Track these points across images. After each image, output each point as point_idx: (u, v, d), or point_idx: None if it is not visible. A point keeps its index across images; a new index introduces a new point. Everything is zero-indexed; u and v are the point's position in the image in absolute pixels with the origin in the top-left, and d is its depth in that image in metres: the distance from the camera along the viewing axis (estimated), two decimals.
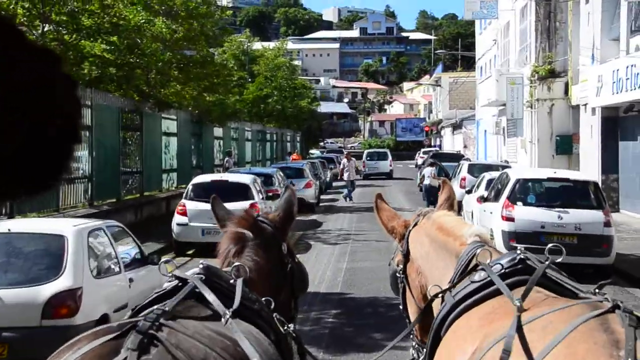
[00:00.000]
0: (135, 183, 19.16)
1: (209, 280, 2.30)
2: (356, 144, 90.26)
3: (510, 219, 11.84)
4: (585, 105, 20.49)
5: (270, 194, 17.43)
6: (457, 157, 31.50)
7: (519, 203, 12.04)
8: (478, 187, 16.84)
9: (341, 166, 29.62)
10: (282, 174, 20.81)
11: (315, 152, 60.26)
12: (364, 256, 14.41)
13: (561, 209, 11.66)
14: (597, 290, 2.14)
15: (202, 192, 14.97)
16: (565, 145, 23.23)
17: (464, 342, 2.19)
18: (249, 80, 39.50)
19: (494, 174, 17.07)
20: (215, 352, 1.97)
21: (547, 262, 2.27)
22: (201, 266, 2.39)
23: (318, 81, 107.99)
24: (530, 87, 24.00)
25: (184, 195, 15.15)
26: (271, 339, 2.33)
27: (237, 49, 37.55)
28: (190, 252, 14.79)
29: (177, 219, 14.55)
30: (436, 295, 2.54)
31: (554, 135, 23.55)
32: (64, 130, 0.79)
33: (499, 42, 30.25)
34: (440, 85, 54.22)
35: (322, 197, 28.96)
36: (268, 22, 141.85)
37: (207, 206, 13.61)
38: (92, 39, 16.32)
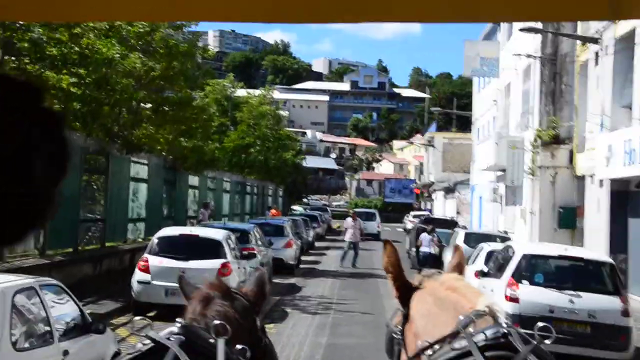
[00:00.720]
0: (97, 232, 18.17)
1: (190, 342, 2.26)
2: (342, 202, 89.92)
3: (514, 300, 11.02)
4: (592, 176, 19.95)
5: (246, 252, 16.58)
6: (450, 224, 30.75)
7: (525, 282, 11.25)
8: (475, 259, 16.05)
9: (344, 225, 28.48)
10: (259, 231, 19.93)
11: (297, 208, 59.59)
12: (347, 331, 13.45)
13: (573, 292, 10.87)
14: None
15: (168, 247, 14.10)
16: (569, 219, 22.62)
17: None
18: (231, 127, 38.95)
19: (494, 246, 16.33)
20: None
21: (531, 345, 2.23)
22: (178, 325, 2.33)
23: (304, 134, 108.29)
24: (533, 152, 23.52)
25: (148, 249, 14.22)
26: None
27: (219, 93, 37.08)
28: (151, 314, 13.78)
29: (138, 275, 13.60)
30: (421, 352, 2.52)
31: (557, 206, 22.96)
32: (47, 171, 0.78)
33: (499, 103, 29.98)
34: (433, 145, 54.02)
35: (303, 258, 28.02)
36: (255, 69, 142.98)
37: (172, 263, 12.51)
38: (57, 71, 15.60)
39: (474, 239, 20.00)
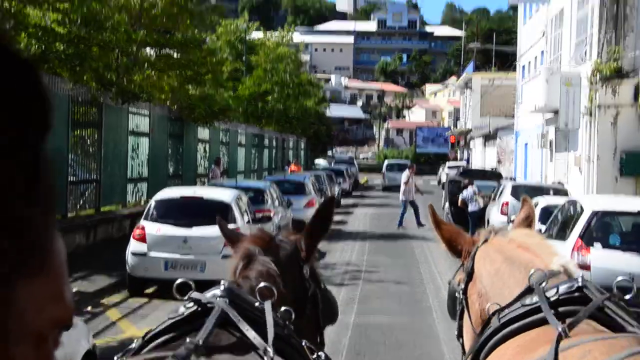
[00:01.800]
0: (91, 195, 17.05)
1: (234, 304, 2.24)
2: (370, 154, 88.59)
3: (584, 267, 9.63)
4: None
5: (260, 214, 15.38)
6: (493, 176, 29.28)
7: (597, 245, 9.86)
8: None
9: (403, 180, 25.53)
10: (277, 190, 18.65)
11: (321, 162, 58.29)
12: (379, 306, 12.21)
13: None
14: None
15: (168, 212, 12.90)
16: (633, 165, 21.02)
17: None
18: (246, 73, 37.49)
19: (551, 200, 14.87)
20: None
21: (606, 295, 2.24)
22: (222, 287, 2.30)
23: (328, 80, 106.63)
24: (591, 89, 21.80)
25: (144, 214, 13.02)
26: None
27: (232, 35, 35.55)
28: (149, 290, 12.68)
29: (133, 246, 12.43)
30: (493, 314, 2.54)
31: (619, 151, 21.33)
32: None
33: (549, 35, 28.02)
34: (470, 88, 52.06)
35: None
36: (274, 9, 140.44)
37: (173, 230, 10.97)
38: (37, 6, 14.34)
39: (524, 192, 18.51)
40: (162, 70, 20.75)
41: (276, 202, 18.03)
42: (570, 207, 11.04)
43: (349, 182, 42.29)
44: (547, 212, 14.08)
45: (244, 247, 2.67)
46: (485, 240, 2.93)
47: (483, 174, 30.21)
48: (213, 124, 24.19)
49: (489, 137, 44.93)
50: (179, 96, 21.82)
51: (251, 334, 2.17)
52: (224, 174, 27.17)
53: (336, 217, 28.62)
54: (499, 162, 39.97)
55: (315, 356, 2.43)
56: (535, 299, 2.35)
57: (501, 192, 19.10)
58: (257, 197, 16.95)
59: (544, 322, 2.29)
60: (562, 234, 10.59)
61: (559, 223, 11.10)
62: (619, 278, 2.58)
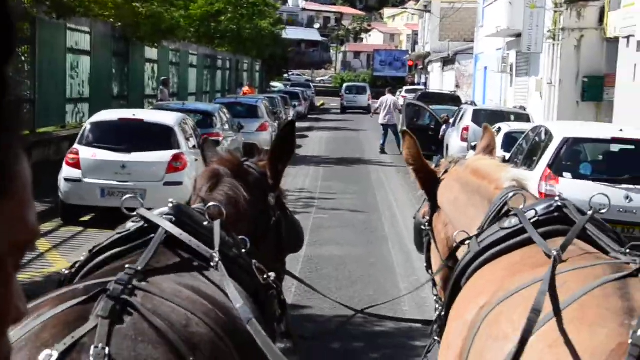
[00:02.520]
0: (26, 115, 15.74)
1: (180, 222, 2.26)
2: (327, 77, 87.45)
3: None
4: (628, 38, 17.52)
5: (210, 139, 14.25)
6: (452, 99, 28.48)
7: (566, 175, 9.13)
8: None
9: (378, 104, 24.75)
10: (227, 113, 17.57)
11: (277, 85, 56.91)
12: (332, 236, 11.43)
13: (630, 186, 8.77)
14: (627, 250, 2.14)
15: (104, 136, 11.81)
16: (595, 90, 20.40)
17: (479, 295, 2.22)
18: None
19: (514, 126, 14.12)
20: (197, 316, 1.95)
21: (588, 215, 2.25)
22: (170, 205, 2.34)
23: (285, 2, 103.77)
24: (555, 12, 20.91)
25: (78, 137, 11.91)
26: (249, 291, 2.31)
27: None
28: (84, 219, 11.69)
29: (66, 171, 11.37)
30: (462, 242, 2.56)
31: (581, 75, 20.66)
32: None
33: None
34: (429, 11, 50.76)
35: None
36: None
37: (110, 155, 9.23)
38: None
39: (484, 117, 17.73)
40: None
41: (226, 126, 16.99)
42: (538, 134, 10.24)
43: (305, 105, 41.27)
44: (510, 138, 13.39)
45: (211, 167, 2.65)
46: (446, 171, 2.93)
47: (441, 98, 29.39)
48: (161, 43, 22.73)
49: (447, 62, 44.01)
50: (123, 13, 20.29)
51: (194, 242, 2.17)
52: (172, 95, 25.90)
53: None
54: (457, 86, 39.19)
55: (264, 276, 2.40)
56: (514, 220, 2.32)
57: (461, 117, 18.31)
58: (205, 121, 15.90)
59: (526, 243, 2.27)
60: (528, 162, 9.83)
61: (524, 151, 10.32)
62: (595, 194, 2.58)
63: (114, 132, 11.86)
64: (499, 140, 13.49)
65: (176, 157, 11.58)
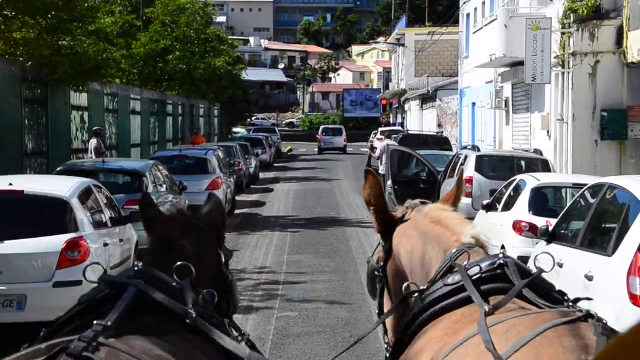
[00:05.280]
0: None
1: (150, 285, 2.23)
2: (294, 120, 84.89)
3: None
4: None
5: (133, 208, 11.22)
6: (439, 142, 25.47)
7: None
8: (513, 199, 10.77)
9: (377, 153, 22.01)
10: (163, 170, 14.32)
11: (240, 130, 53.91)
12: (302, 350, 8.15)
13: None
14: (570, 304, 2.25)
15: None
16: (616, 125, 17.60)
17: (420, 356, 2.32)
18: (143, 29, 32.61)
19: (543, 179, 11.02)
20: None
21: (526, 280, 2.31)
22: (136, 268, 2.32)
23: (247, 42, 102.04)
24: (563, 34, 18.13)
25: None
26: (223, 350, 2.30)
27: None
28: None
29: None
30: (410, 294, 2.62)
31: (598, 109, 17.83)
32: None
33: None
34: (403, 45, 48.29)
35: (241, 198, 22.63)
36: None
37: None
38: None
39: (490, 165, 14.75)
40: (10, 16, 16.21)
41: (162, 187, 13.78)
42: (604, 197, 7.13)
43: (270, 152, 38.24)
44: (540, 196, 10.31)
45: (160, 231, 2.63)
46: (402, 217, 2.97)
47: (425, 140, 26.37)
48: (86, 85, 19.49)
49: (427, 99, 41.31)
50: (35, 49, 17.16)
51: (167, 300, 2.17)
52: (110, 148, 22.54)
53: (252, 197, 24.89)
54: (440, 125, 36.40)
55: (239, 335, 2.44)
56: (457, 277, 2.38)
57: (461, 165, 15.22)
58: (132, 183, 12.77)
59: (468, 301, 2.32)
60: (600, 241, 6.74)
61: (589, 222, 7.17)
62: (539, 253, 2.91)
63: None
64: (523, 198, 10.41)
65: (72, 244, 8.33)
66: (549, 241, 7.83)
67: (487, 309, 2.16)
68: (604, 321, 2.03)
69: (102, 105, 23.59)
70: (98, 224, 9.19)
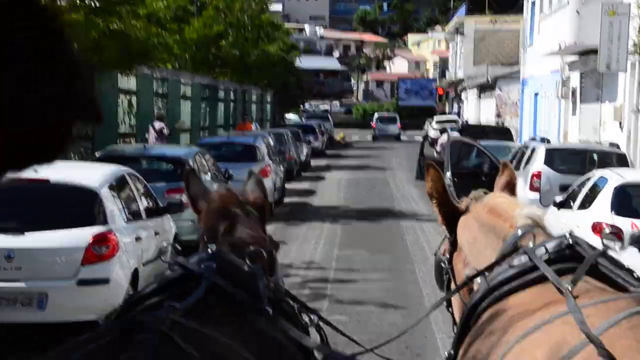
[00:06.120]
0: None
1: (223, 270, 2.24)
2: (342, 107, 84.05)
3: None
4: None
5: (177, 196, 10.57)
6: (501, 133, 24.14)
7: None
8: (591, 197, 9.59)
9: (439, 144, 21.46)
10: (209, 158, 13.48)
11: (292, 117, 53.13)
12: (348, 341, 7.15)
13: None
14: None
15: None
16: None
17: (491, 335, 2.29)
18: (197, 15, 31.94)
19: (628, 176, 9.80)
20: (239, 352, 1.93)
21: (599, 250, 2.29)
22: (210, 251, 2.33)
23: (302, 30, 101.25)
24: None
25: None
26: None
27: None
28: None
29: None
30: (470, 278, 2.64)
31: None
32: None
33: None
34: (462, 34, 46.76)
35: (291, 186, 21.71)
36: None
37: None
38: None
39: (561, 159, 13.52)
40: None
41: (207, 176, 12.91)
42: None
43: (322, 139, 37.27)
44: (625, 195, 9.11)
45: (219, 205, 2.57)
46: (467, 209, 2.97)
47: (485, 131, 25.03)
48: (134, 70, 18.78)
49: (485, 88, 39.81)
50: (82, 32, 16.46)
51: (241, 295, 2.15)
52: (169, 133, 21.51)
53: (303, 185, 23.92)
54: (499, 115, 34.93)
55: (308, 318, 2.43)
56: (524, 258, 2.34)
57: (528, 159, 14.01)
58: (174, 172, 11.95)
59: (536, 281, 2.27)
60: None
61: None
62: (606, 230, 3.76)
63: (8, 203, 7.77)
64: (604, 197, 9.22)
65: (100, 238, 7.50)
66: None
67: (569, 287, 2.06)
68: None
69: (151, 90, 22.92)
70: (131, 216, 8.35)
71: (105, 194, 7.87)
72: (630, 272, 2.25)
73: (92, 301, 7.31)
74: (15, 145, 0.91)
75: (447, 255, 2.99)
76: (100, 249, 7.46)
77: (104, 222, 7.66)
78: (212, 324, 1.97)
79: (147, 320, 1.83)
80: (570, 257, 2.27)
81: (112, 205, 7.93)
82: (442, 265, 3.03)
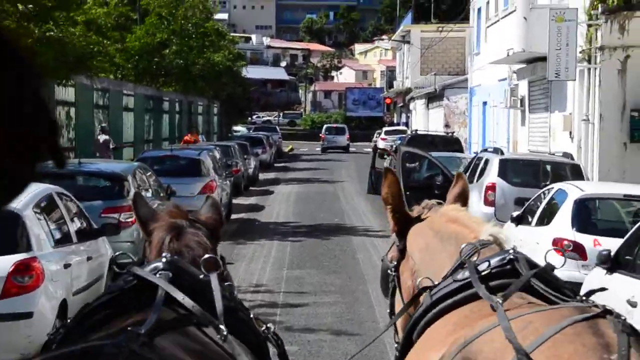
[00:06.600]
0: None
1: (178, 278, 2.22)
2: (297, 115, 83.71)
3: None
4: None
5: (115, 215, 9.87)
6: (449, 143, 23.82)
7: None
8: (550, 212, 9.18)
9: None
10: (149, 175, 12.75)
11: (240, 129, 52.40)
12: None
13: None
14: (584, 298, 2.21)
15: None
16: None
17: (431, 350, 2.28)
18: (140, 23, 31.06)
19: (588, 189, 9.43)
20: None
21: (534, 270, 2.30)
22: (164, 260, 2.29)
23: (249, 39, 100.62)
24: (589, 27, 16.56)
25: None
26: (250, 345, 2.32)
27: None
28: None
29: None
30: (424, 289, 2.61)
31: (628, 109, 16.31)
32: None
33: None
34: (409, 42, 46.67)
35: (238, 201, 21.02)
36: None
37: None
38: None
39: (515, 170, 13.15)
40: None
41: (148, 193, 12.18)
42: None
43: (270, 152, 36.63)
44: (584, 210, 8.72)
45: (166, 221, 2.58)
46: (419, 216, 2.97)
47: (435, 142, 24.70)
48: (70, 79, 17.93)
49: (433, 98, 39.71)
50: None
51: (198, 309, 2.13)
52: (115, 148, 20.64)
53: (249, 200, 23.19)
54: (447, 125, 34.77)
55: (264, 328, 2.46)
56: (466, 273, 2.37)
57: (481, 171, 13.61)
58: (112, 189, 11.20)
59: (476, 297, 2.30)
60: None
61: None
62: (549, 249, 2.95)
63: None
64: (565, 212, 8.81)
65: (22, 267, 6.78)
66: (611, 270, 6.25)
67: (499, 300, 2.12)
68: (623, 318, 1.97)
69: (91, 101, 22.04)
70: (60, 241, 7.64)
71: (29, 216, 7.14)
72: (572, 290, 2.29)
73: (13, 338, 6.58)
74: None
75: (395, 262, 2.97)
76: (23, 279, 6.75)
77: (28, 248, 6.94)
78: (171, 350, 1.91)
79: (106, 352, 1.74)
80: (510, 273, 2.30)
81: (38, 228, 7.21)
82: (389, 272, 3.00)
